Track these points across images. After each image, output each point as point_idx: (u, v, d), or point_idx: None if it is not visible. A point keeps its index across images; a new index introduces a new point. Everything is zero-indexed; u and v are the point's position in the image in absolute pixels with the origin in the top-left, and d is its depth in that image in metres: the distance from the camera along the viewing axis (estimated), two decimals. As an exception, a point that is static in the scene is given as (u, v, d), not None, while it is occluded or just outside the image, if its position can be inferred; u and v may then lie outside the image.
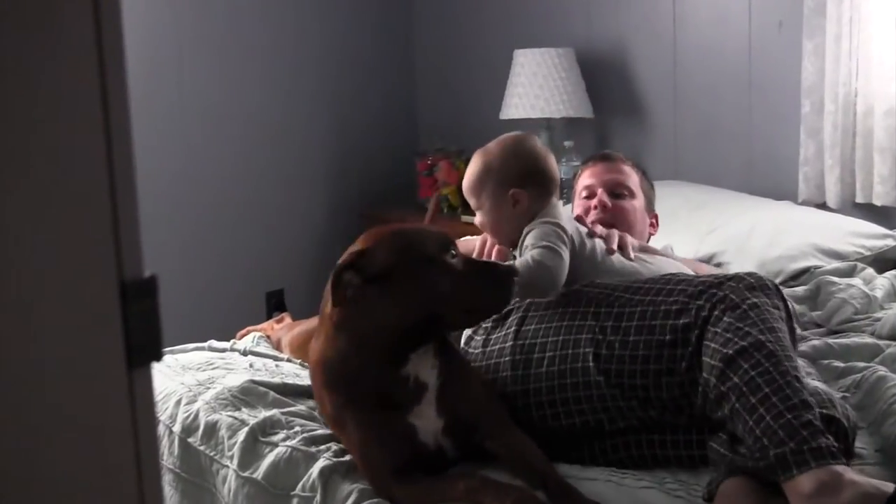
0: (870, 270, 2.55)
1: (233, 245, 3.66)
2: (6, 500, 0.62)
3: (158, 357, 0.69)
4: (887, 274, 2.52)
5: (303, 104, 3.84)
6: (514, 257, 1.89)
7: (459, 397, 1.61)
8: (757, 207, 2.89)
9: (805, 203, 3.00)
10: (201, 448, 1.81)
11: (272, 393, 1.90)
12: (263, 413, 1.81)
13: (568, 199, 2.69)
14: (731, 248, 2.63)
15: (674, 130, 3.44)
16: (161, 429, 1.88)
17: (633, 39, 3.50)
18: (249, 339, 2.33)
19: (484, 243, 2.04)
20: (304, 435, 1.73)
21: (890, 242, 2.71)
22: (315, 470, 1.62)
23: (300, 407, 1.86)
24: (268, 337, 2.35)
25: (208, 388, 1.93)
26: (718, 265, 2.58)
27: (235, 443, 1.75)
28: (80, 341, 0.66)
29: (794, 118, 3.05)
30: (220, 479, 1.77)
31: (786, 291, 2.24)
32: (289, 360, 2.16)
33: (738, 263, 2.51)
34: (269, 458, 1.69)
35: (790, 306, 1.67)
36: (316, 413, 1.81)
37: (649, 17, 3.44)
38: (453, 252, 1.59)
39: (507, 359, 1.72)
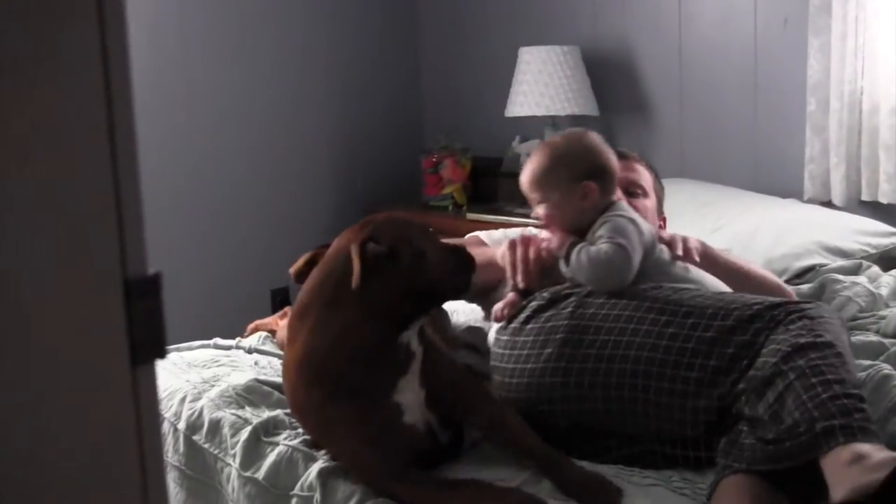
0: (875, 268, 2.55)
1: (238, 243, 3.66)
2: (11, 497, 0.63)
3: (162, 355, 0.69)
4: (893, 272, 2.51)
5: (308, 102, 3.85)
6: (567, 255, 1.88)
7: (436, 365, 1.69)
8: (762, 205, 2.88)
9: (810, 201, 2.99)
10: (206, 446, 1.82)
11: (276, 392, 1.90)
12: (267, 412, 1.82)
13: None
14: (736, 246, 2.62)
15: (679, 128, 3.44)
16: (166, 426, 1.89)
17: (638, 37, 3.49)
18: (255, 337, 2.33)
19: (522, 241, 1.98)
20: (307, 436, 1.73)
21: (895, 240, 2.70)
22: (314, 470, 1.63)
23: (303, 406, 1.86)
24: (273, 332, 2.36)
25: (213, 385, 1.94)
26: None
27: (238, 441, 1.76)
28: (84, 339, 0.66)
29: (799, 116, 3.05)
30: (225, 477, 1.77)
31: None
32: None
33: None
34: (271, 458, 1.70)
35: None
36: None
37: (655, 15, 3.44)
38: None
39: (560, 335, 1.76)
